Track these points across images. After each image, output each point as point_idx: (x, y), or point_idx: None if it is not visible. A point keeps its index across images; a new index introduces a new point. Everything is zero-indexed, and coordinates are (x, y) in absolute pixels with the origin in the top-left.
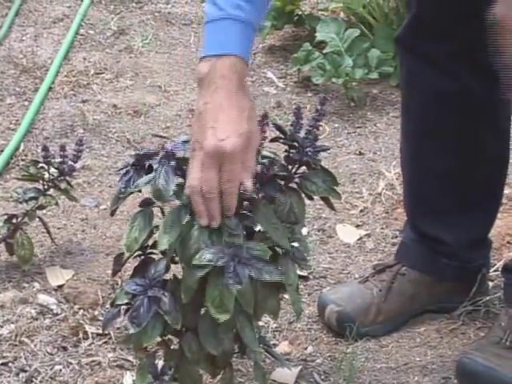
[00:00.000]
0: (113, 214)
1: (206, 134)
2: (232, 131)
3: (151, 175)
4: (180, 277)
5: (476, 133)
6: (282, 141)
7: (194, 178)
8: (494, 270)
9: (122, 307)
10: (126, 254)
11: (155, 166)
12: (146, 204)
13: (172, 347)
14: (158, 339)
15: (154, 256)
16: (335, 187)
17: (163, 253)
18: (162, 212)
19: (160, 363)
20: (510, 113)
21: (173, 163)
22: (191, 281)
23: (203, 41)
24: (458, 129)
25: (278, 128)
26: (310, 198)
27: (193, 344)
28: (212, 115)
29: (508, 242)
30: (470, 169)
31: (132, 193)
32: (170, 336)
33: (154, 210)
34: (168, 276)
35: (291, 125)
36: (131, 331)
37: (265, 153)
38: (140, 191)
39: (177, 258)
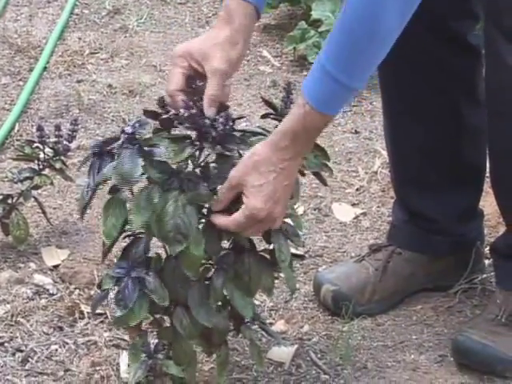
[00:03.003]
0: (83, 213)
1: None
2: (186, 44)
3: (115, 162)
4: (162, 254)
5: (455, 104)
6: (272, 117)
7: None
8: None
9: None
10: (108, 241)
11: (117, 151)
12: (116, 190)
13: (165, 326)
14: (150, 318)
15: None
16: (327, 162)
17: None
18: (132, 194)
19: (154, 342)
20: (482, 82)
21: (136, 145)
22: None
23: None
24: (437, 102)
25: (269, 104)
26: (302, 174)
27: (184, 320)
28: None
29: None
30: (451, 142)
31: (100, 183)
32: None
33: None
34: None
35: (281, 100)
36: (118, 314)
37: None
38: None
39: None
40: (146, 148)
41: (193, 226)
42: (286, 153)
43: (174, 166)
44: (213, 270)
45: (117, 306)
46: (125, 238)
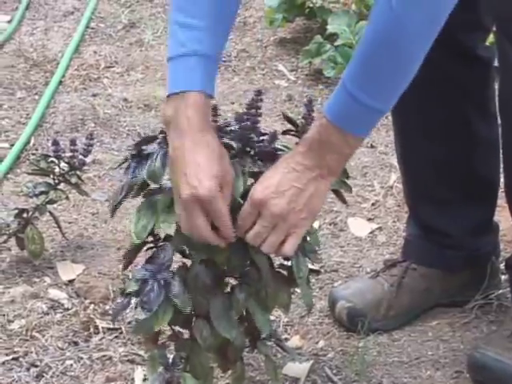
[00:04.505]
0: (115, 210)
1: (180, 182)
2: (203, 175)
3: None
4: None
5: (465, 118)
6: (293, 133)
7: (184, 227)
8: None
9: (133, 298)
10: (137, 242)
11: (153, 150)
12: (150, 194)
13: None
14: (168, 332)
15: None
16: (346, 180)
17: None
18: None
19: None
20: (494, 94)
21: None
22: None
23: (167, 79)
24: (448, 116)
25: (289, 120)
26: None
27: (204, 330)
28: (182, 162)
29: None
30: (463, 156)
31: (136, 185)
32: (179, 329)
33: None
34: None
35: (302, 117)
36: (142, 316)
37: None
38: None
39: None
40: None
41: None
42: (301, 158)
43: None
44: (231, 282)
45: (141, 309)
46: (147, 250)
